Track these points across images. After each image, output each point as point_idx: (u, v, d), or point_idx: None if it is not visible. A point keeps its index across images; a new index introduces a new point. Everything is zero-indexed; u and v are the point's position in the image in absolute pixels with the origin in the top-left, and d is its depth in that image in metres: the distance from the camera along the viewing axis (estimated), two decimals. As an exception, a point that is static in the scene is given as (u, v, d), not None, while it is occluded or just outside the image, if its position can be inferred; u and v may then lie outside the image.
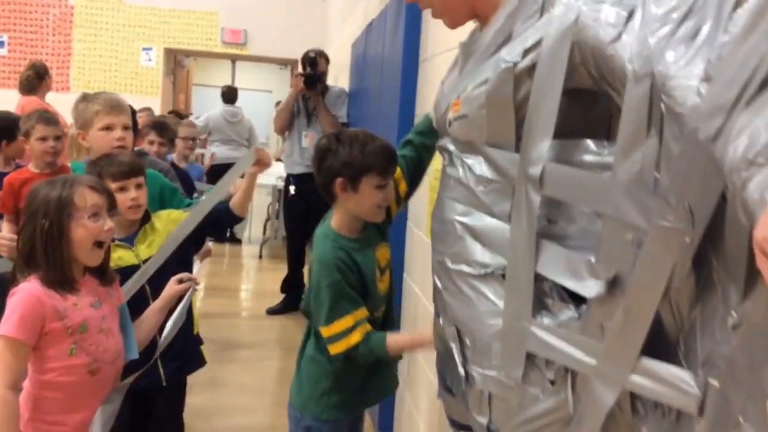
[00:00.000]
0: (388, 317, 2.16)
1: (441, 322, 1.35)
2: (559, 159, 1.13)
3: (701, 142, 0.85)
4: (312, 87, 5.30)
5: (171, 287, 2.16)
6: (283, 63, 12.08)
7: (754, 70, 0.78)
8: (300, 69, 5.70)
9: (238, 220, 2.53)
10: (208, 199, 2.38)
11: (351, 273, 1.98)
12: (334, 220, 2.06)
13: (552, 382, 1.14)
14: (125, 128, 2.50)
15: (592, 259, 1.06)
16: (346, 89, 5.78)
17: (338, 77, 7.05)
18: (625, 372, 1.01)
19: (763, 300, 0.82)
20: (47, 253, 1.79)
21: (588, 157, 1.12)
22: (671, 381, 0.96)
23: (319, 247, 2.04)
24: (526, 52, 1.14)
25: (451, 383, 1.40)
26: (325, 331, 2.00)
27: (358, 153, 1.95)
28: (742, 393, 0.85)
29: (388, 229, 2.20)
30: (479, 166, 1.24)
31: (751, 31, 0.79)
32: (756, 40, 0.78)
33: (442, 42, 2.80)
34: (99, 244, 1.87)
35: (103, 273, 1.95)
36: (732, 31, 0.84)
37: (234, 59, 12.41)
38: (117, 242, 2.22)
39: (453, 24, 1.41)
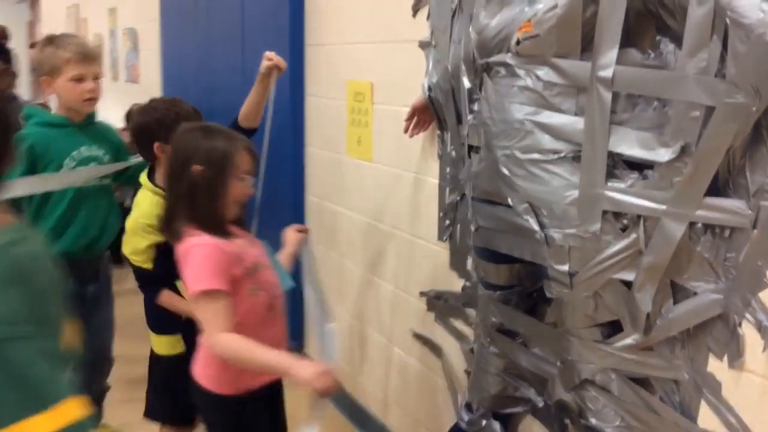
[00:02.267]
0: None
1: (510, 201, 1.70)
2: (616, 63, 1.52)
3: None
4: None
5: (293, 235, 2.23)
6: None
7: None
8: None
9: (251, 133, 2.42)
10: None
11: None
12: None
13: (623, 229, 1.55)
14: (96, 78, 2.47)
15: (659, 135, 1.47)
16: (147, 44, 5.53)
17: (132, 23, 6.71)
18: (692, 209, 1.45)
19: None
20: (210, 200, 1.78)
21: (638, 61, 1.52)
22: (729, 209, 1.41)
23: None
24: (590, -17, 1.50)
25: (509, 249, 1.77)
26: None
27: None
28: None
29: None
30: (546, 73, 1.59)
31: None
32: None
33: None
34: (238, 204, 1.90)
35: (241, 222, 1.97)
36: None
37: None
38: None
39: None
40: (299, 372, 1.67)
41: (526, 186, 1.66)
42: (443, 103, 2.24)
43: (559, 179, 1.61)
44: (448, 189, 2.37)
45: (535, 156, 1.63)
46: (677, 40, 1.48)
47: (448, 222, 2.39)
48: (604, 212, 1.56)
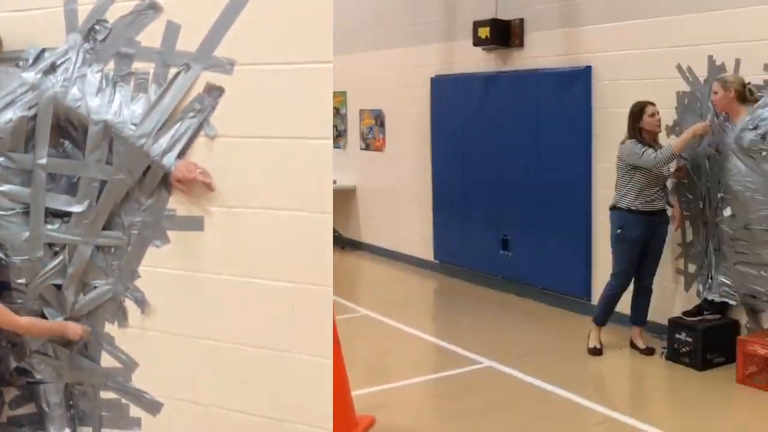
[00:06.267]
0: None
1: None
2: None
3: (138, 146, 2.59)
4: None
5: None
6: None
7: (158, 122, 2.59)
8: None
9: None
10: None
11: None
12: None
13: (55, 253, 2.63)
14: None
15: (74, 196, 2.63)
16: None
17: None
18: (95, 238, 2.64)
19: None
20: None
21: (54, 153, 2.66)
22: (114, 236, 2.65)
23: None
24: (30, 108, 2.59)
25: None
26: None
27: None
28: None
29: None
30: (4, 161, 2.59)
31: (154, 107, 2.60)
32: (157, 109, 2.60)
33: None
34: None
35: None
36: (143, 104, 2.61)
37: None
38: None
39: None
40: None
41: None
42: None
43: (16, 226, 2.61)
44: None
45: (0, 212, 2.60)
46: (75, 142, 2.66)
47: None
48: (44, 244, 2.63)
